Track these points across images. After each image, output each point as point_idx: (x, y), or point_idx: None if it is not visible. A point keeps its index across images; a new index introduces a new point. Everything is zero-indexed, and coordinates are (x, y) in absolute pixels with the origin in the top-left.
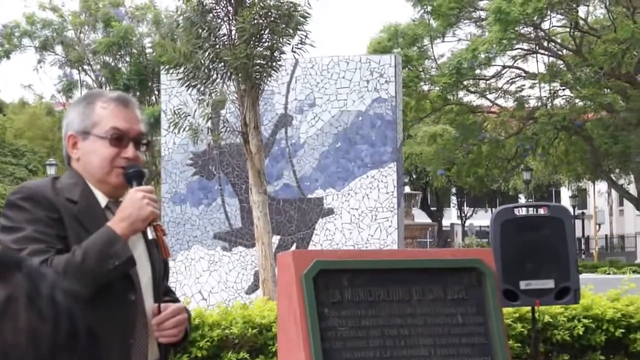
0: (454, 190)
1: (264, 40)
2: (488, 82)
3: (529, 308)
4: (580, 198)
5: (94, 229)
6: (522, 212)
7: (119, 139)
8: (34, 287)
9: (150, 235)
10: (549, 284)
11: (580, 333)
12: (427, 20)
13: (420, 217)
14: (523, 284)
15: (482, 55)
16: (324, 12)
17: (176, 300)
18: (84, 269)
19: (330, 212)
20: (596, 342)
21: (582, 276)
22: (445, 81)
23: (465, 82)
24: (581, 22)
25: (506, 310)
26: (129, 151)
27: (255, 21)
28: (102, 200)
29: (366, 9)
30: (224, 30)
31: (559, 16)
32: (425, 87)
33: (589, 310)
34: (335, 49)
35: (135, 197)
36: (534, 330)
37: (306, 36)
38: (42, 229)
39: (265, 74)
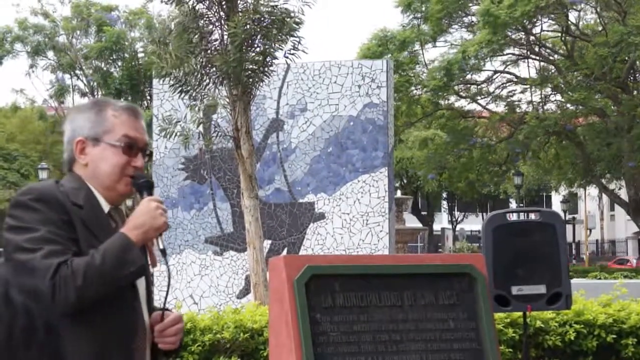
0: (444, 194)
1: (255, 45)
2: (479, 86)
3: (520, 313)
4: (571, 203)
5: (100, 234)
6: (514, 217)
7: (130, 147)
8: None
9: (161, 245)
10: (541, 289)
11: (572, 338)
12: (417, 26)
13: (411, 221)
14: (515, 290)
15: (472, 58)
16: (314, 17)
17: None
18: (103, 273)
19: (322, 216)
20: (588, 347)
21: (573, 281)
22: (435, 84)
23: (456, 87)
24: (572, 27)
25: (498, 315)
26: (139, 160)
27: (248, 26)
28: (105, 206)
29: (356, 14)
30: (215, 36)
31: (550, 21)
32: (417, 92)
33: (581, 315)
34: (325, 54)
35: (149, 207)
36: (526, 336)
37: (299, 42)
38: (56, 231)
39: (257, 79)
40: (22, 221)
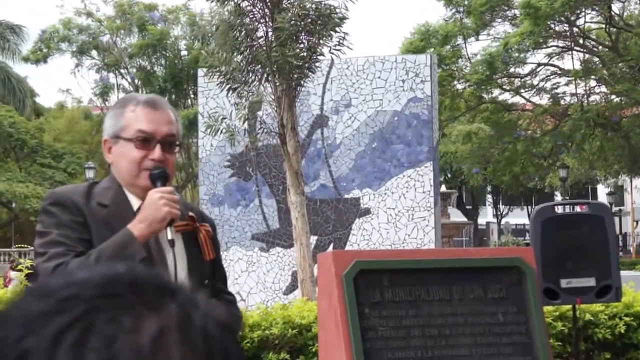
0: (489, 188)
1: (300, 41)
2: (523, 79)
3: (569, 306)
4: (617, 195)
5: None
6: (562, 210)
7: (145, 141)
8: (187, 317)
9: (169, 235)
10: (590, 282)
11: (622, 331)
12: (459, 20)
13: (456, 215)
14: (564, 282)
15: (515, 50)
16: (356, 13)
17: (228, 301)
18: None
19: (367, 212)
20: (638, 340)
21: (622, 273)
22: (478, 77)
23: (499, 80)
24: (616, 18)
25: (547, 308)
26: (156, 153)
27: (293, 22)
28: (135, 203)
29: (397, 8)
30: (260, 33)
31: (593, 13)
32: (460, 86)
33: (631, 308)
34: (368, 50)
35: (152, 198)
36: (575, 329)
37: (344, 37)
38: (66, 233)
39: (302, 75)
40: (42, 226)
